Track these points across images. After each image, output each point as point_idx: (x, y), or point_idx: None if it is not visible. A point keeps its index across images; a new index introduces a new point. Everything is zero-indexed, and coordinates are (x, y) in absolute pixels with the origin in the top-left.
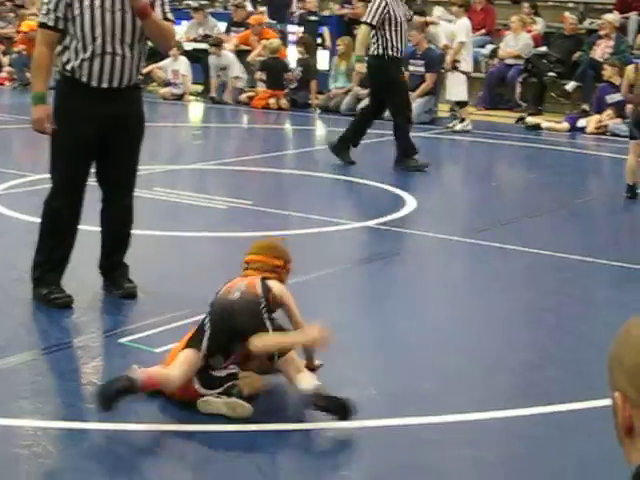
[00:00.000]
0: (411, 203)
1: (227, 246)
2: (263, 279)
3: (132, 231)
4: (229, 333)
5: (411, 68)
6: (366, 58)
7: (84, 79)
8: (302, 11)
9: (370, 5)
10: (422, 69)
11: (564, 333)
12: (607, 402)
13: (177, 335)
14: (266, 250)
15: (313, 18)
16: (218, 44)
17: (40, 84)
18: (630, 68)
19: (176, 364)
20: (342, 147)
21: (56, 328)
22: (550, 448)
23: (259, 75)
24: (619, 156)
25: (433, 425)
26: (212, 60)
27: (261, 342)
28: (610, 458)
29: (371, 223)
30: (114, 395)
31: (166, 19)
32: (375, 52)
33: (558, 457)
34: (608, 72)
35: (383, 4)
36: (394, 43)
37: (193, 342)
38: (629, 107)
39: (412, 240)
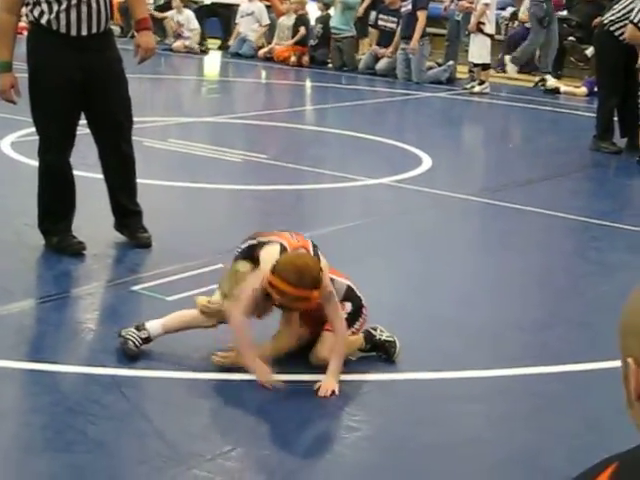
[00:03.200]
0: (427, 162)
1: (241, 198)
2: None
3: (138, 179)
4: None
5: (380, 23)
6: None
7: (63, 30)
8: None
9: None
10: (393, 25)
11: (576, 294)
12: (617, 363)
13: (190, 284)
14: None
15: None
16: None
17: (5, 52)
18: None
19: None
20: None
21: (68, 275)
22: (561, 406)
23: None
24: None
25: (446, 380)
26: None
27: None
28: (621, 417)
29: (386, 180)
30: None
31: None
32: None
33: (569, 414)
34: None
35: None
36: None
37: None
38: None
39: (427, 198)
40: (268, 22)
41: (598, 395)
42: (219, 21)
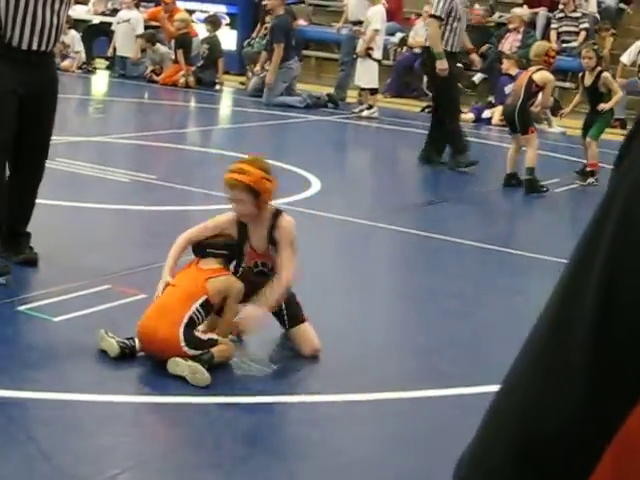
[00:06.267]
0: (316, 184)
1: (129, 218)
2: None
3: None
4: None
5: None
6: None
7: (15, 42)
8: None
9: None
10: None
11: (465, 317)
12: None
13: (77, 305)
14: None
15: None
16: None
17: None
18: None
19: None
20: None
21: None
22: (451, 428)
23: (180, 52)
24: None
25: (332, 403)
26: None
27: None
28: None
29: (275, 202)
30: None
31: None
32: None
33: (459, 437)
34: (506, 64)
35: None
36: (451, 37)
37: None
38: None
39: (316, 221)
40: (142, 32)
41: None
42: (108, 41)
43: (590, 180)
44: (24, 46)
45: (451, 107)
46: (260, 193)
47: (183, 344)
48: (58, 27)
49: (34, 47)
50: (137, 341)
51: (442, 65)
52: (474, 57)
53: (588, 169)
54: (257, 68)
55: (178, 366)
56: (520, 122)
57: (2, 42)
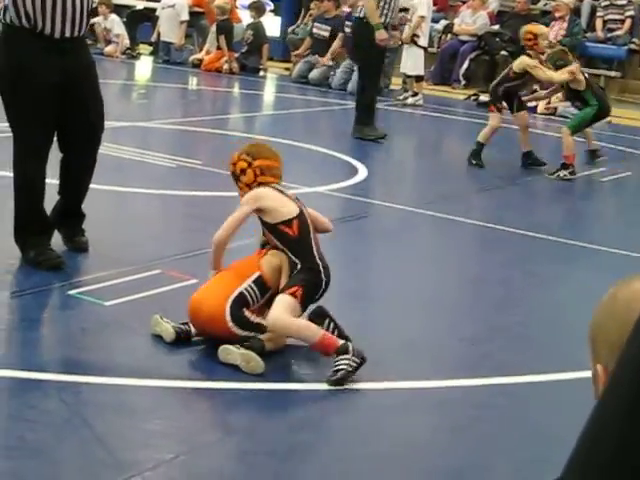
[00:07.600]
0: (362, 171)
1: (176, 203)
2: None
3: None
4: None
5: (315, 31)
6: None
7: (47, 31)
8: None
9: None
10: (327, 34)
11: (514, 306)
12: (555, 376)
13: (128, 290)
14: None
15: None
16: None
17: None
18: None
19: None
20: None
21: (2, 279)
22: (501, 417)
23: (222, 38)
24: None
25: (383, 391)
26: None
27: None
28: (568, 430)
29: (321, 189)
30: None
31: None
32: (363, 16)
33: (510, 426)
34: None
35: None
36: (388, 10)
37: None
38: None
39: (362, 208)
40: (187, 18)
41: (537, 407)
42: (152, 27)
43: (562, 173)
44: (57, 34)
45: (373, 78)
46: (237, 175)
47: (229, 319)
48: (88, 10)
49: (67, 34)
50: (192, 326)
51: (381, 35)
52: (395, 33)
53: (562, 161)
54: (299, 51)
55: (230, 355)
56: (489, 98)
57: (34, 32)
